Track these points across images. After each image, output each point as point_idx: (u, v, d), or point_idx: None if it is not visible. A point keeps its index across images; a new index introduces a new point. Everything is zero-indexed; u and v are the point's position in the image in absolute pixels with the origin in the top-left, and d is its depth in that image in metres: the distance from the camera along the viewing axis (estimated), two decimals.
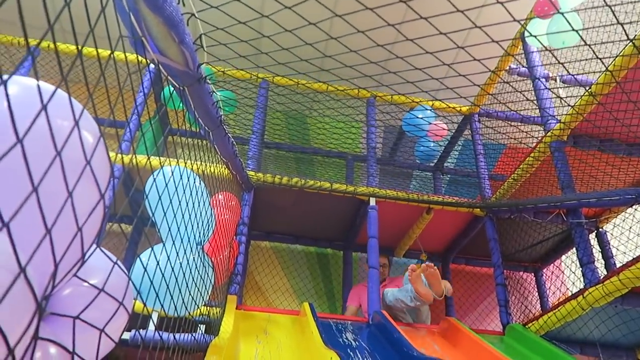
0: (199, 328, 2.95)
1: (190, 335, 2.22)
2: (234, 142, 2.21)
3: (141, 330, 2.57)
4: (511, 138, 4.09)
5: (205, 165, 2.18)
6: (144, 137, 4.01)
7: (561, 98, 3.30)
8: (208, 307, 2.86)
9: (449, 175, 5.38)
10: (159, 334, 2.32)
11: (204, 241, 1.81)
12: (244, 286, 4.17)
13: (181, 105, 1.63)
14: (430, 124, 4.31)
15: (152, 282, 1.03)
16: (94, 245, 0.77)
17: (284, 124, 5.10)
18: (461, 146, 5.15)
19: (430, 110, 4.32)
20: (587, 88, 3.09)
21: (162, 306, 1.16)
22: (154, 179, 1.44)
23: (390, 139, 5.17)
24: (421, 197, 3.85)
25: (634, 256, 2.42)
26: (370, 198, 3.73)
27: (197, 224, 1.55)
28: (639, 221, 2.71)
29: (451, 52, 1.75)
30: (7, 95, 0.52)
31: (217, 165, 2.77)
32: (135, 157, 3.38)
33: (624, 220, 3.43)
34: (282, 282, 4.40)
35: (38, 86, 0.60)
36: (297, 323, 2.92)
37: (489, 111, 4.44)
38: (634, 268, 2.32)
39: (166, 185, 1.17)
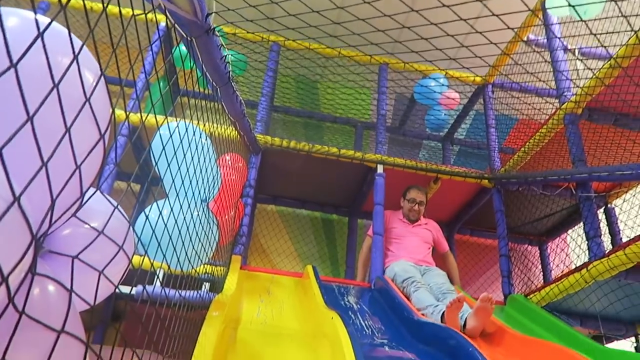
0: (203, 286, 3.01)
1: (195, 292, 2.25)
2: (242, 102, 2.18)
3: (147, 286, 2.61)
4: (527, 108, 4.01)
5: (214, 125, 2.16)
6: (154, 96, 3.98)
7: (584, 65, 3.21)
8: (212, 266, 2.90)
9: (458, 147, 5.33)
10: (163, 290, 2.35)
11: (209, 198, 1.81)
12: (249, 248, 4.21)
13: (191, 65, 1.61)
14: (443, 92, 4.23)
15: (153, 232, 1.03)
16: (93, 189, 0.76)
17: (293, 89, 5.04)
18: (472, 118, 5.07)
19: (443, 78, 4.23)
20: (608, 59, 3.00)
21: (164, 258, 1.17)
22: (160, 134, 1.43)
23: (401, 108, 5.10)
24: (429, 166, 3.82)
25: None
26: (378, 165, 3.71)
27: (202, 179, 1.54)
28: None
29: (466, 24, 1.70)
30: (1, 23, 0.50)
31: (225, 126, 2.75)
32: (145, 113, 3.37)
33: (634, 196, 3.39)
34: (286, 246, 4.44)
35: (36, 20, 0.58)
36: (300, 285, 2.95)
37: (504, 82, 4.34)
38: None
39: (170, 136, 1.16)
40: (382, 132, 3.98)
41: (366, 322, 2.45)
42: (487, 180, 3.84)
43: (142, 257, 1.12)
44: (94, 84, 0.64)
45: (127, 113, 3.50)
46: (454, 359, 1.80)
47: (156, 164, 1.07)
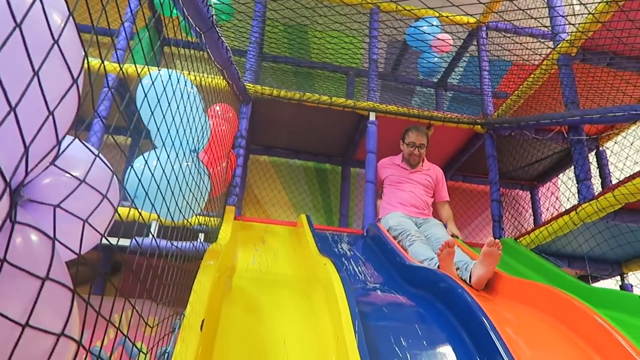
0: (198, 237, 3.04)
1: (189, 243, 2.27)
2: (229, 48, 2.11)
3: (141, 238, 2.63)
4: (521, 51, 3.93)
5: (201, 74, 2.11)
6: (139, 45, 3.86)
7: (580, 3, 3.13)
8: (206, 217, 2.91)
9: (451, 93, 5.26)
10: (156, 241, 2.36)
11: (199, 149, 1.79)
12: (243, 199, 4.24)
13: (175, 12, 1.54)
14: (435, 35, 4.12)
15: (140, 181, 1.02)
16: (71, 137, 0.74)
17: (283, 36, 4.90)
18: (466, 63, 4.98)
19: (437, 21, 4.12)
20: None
21: (153, 208, 1.16)
22: (141, 84, 1.39)
23: (393, 53, 4.98)
24: (422, 112, 3.79)
25: (632, 173, 2.41)
26: (370, 113, 3.67)
27: (190, 129, 1.52)
28: (639, 138, 2.68)
29: None
30: None
31: (213, 75, 2.68)
32: (128, 64, 3.27)
33: (624, 137, 3.40)
34: (280, 196, 4.46)
35: None
36: (294, 233, 2.99)
37: (498, 24, 4.24)
38: (630, 184, 2.32)
39: (152, 84, 1.13)
40: (373, 79, 3.92)
41: (359, 267, 2.50)
42: (479, 126, 3.82)
43: (130, 209, 1.12)
44: (62, 25, 0.61)
45: (121, 65, 3.41)
46: (444, 301, 1.85)
47: (138, 111, 1.04)
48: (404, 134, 3.30)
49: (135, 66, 0.99)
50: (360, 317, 1.54)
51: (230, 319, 1.66)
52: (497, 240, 2.19)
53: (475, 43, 4.26)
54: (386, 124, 3.72)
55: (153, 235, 1.15)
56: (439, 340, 1.67)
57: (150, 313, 1.58)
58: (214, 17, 1.62)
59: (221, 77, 2.47)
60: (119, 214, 0.90)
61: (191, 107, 1.49)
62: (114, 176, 0.81)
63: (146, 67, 1.21)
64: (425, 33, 4.03)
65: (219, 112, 2.99)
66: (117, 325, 0.89)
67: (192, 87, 1.56)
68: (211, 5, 1.50)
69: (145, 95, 1.03)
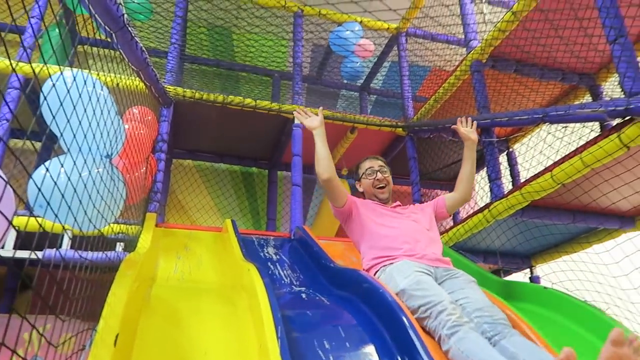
0: (117, 246, 2.89)
1: (105, 253, 2.15)
2: (144, 49, 2.03)
3: (52, 249, 2.46)
4: (438, 58, 4.13)
5: (115, 75, 2.00)
6: (48, 44, 3.61)
7: (490, 15, 3.33)
8: (126, 225, 2.78)
9: (374, 96, 5.42)
10: (59, 253, 2.22)
11: (112, 154, 1.70)
12: (166, 205, 4.09)
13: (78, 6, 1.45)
14: (359, 40, 4.22)
15: (40, 190, 0.94)
16: None
17: (207, 38, 4.80)
18: (388, 68, 5.14)
19: (359, 26, 4.22)
20: (510, 8, 3.13)
21: (57, 218, 1.08)
22: (42, 85, 1.29)
23: (318, 57, 5.04)
24: (346, 116, 3.86)
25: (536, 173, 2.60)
26: None
27: (101, 133, 1.44)
28: (543, 140, 2.90)
29: None
30: None
31: (130, 76, 2.57)
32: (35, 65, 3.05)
33: (529, 139, 3.67)
34: (205, 201, 4.35)
35: None
36: (219, 239, 2.93)
37: (416, 31, 4.42)
38: (535, 183, 2.50)
39: (53, 85, 1.05)
40: (298, 82, 3.93)
41: (285, 271, 2.50)
42: (401, 129, 3.96)
43: (36, 218, 1.04)
44: None
45: (32, 65, 3.15)
46: (367, 302, 1.88)
47: (40, 115, 0.97)
48: (356, 170, 2.47)
49: (47, 66, 0.92)
50: (284, 322, 1.53)
51: (148, 332, 1.58)
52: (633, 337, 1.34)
53: (396, 48, 4.41)
54: None
55: (57, 247, 1.07)
56: (362, 340, 1.70)
57: (68, 329, 1.48)
58: (126, 16, 1.55)
59: (138, 78, 2.37)
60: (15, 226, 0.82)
61: (101, 110, 1.41)
62: (9, 186, 0.75)
63: (49, 67, 1.13)
64: (348, 40, 4.12)
65: (137, 115, 2.87)
66: (27, 344, 0.82)
67: (102, 89, 1.48)
68: (121, 4, 1.43)
69: (45, 98, 0.95)
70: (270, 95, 4.91)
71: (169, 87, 3.40)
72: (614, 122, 2.14)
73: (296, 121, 3.65)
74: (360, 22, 4.23)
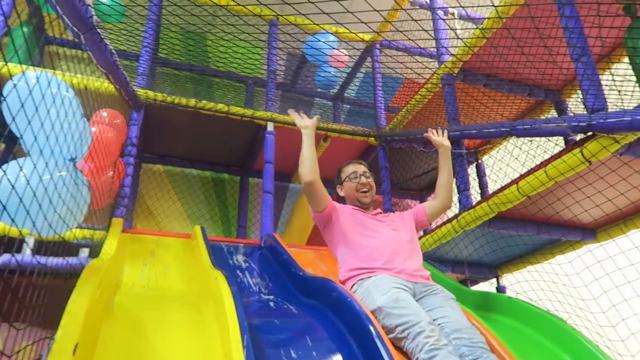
0: (81, 252, 2.81)
1: (66, 259, 2.09)
2: (114, 51, 1.99)
3: (8, 254, 2.37)
4: (411, 69, 4.19)
5: (84, 76, 1.96)
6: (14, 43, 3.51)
7: (460, 29, 3.40)
8: (92, 231, 2.71)
9: (348, 105, 5.46)
10: (15, 259, 2.13)
11: (77, 157, 1.66)
12: (134, 211, 4.00)
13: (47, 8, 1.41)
14: (333, 50, 4.25)
15: None
16: None
17: (181, 42, 4.75)
18: (361, 79, 5.19)
19: (333, 36, 4.25)
20: (479, 25, 3.21)
21: (13, 221, 1.05)
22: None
23: (293, 65, 5.06)
24: (319, 124, 3.86)
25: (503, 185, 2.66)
26: (268, 123, 3.67)
27: (65, 135, 1.40)
28: (509, 152, 2.98)
29: None
30: None
31: (99, 78, 2.52)
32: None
33: (497, 151, 3.75)
34: (175, 207, 4.28)
35: None
36: (187, 246, 2.88)
37: (391, 42, 4.49)
38: (501, 195, 2.56)
39: (15, 86, 1.02)
40: (272, 89, 3.93)
41: (254, 279, 2.48)
42: (373, 138, 3.99)
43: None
44: None
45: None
46: (335, 311, 1.88)
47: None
48: (338, 174, 2.39)
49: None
50: (251, 331, 1.52)
51: (110, 340, 1.54)
52: None
53: (370, 59, 4.46)
54: (284, 135, 3.74)
55: (17, 253, 1.04)
56: (329, 350, 1.70)
57: (24, 338, 1.42)
58: (95, 17, 1.52)
59: (107, 80, 2.32)
60: None
61: (66, 112, 1.37)
62: None
63: (13, 66, 1.10)
64: (322, 50, 4.14)
65: (106, 118, 2.82)
66: None
67: (67, 90, 1.44)
68: (90, 6, 1.40)
69: (5, 98, 0.92)
70: (244, 101, 4.89)
71: (139, 90, 3.35)
72: (578, 137, 2.21)
73: (269, 128, 3.65)
74: (335, 33, 4.26)
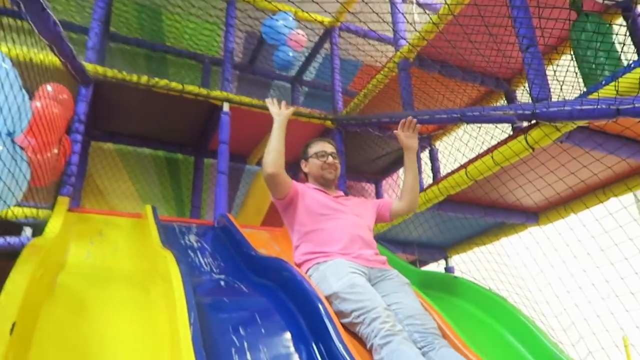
0: (24, 231, 2.70)
1: (2, 238, 2.00)
2: (58, 22, 1.90)
3: None
4: (367, 54, 4.22)
5: (23, 47, 1.87)
6: None
7: (418, 16, 3.44)
8: (36, 209, 2.61)
9: (307, 88, 5.44)
10: None
11: (15, 132, 1.59)
12: (83, 190, 3.87)
13: None
14: (292, 31, 4.21)
15: None
16: None
17: (134, 16, 4.58)
18: (320, 62, 5.18)
19: (292, 17, 4.21)
20: (435, 13, 3.26)
21: None
22: None
23: (250, 46, 4.98)
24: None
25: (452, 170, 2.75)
26: (224, 103, 3.61)
27: (1, 109, 1.33)
28: (459, 138, 3.07)
29: None
30: None
31: (43, 50, 2.40)
32: None
33: (449, 137, 3.86)
34: (126, 187, 4.17)
35: None
36: (137, 226, 2.82)
37: (350, 27, 4.49)
38: (450, 179, 2.65)
39: None
40: (228, 68, 3.87)
41: (205, 259, 2.46)
42: (330, 122, 4.01)
43: None
44: None
45: None
46: (284, 289, 1.90)
47: None
48: (305, 149, 2.34)
49: None
50: (200, 309, 1.52)
51: (51, 320, 1.50)
52: None
53: (329, 42, 4.45)
54: (241, 115, 3.70)
55: None
56: (278, 327, 1.72)
57: None
58: None
59: (51, 53, 2.22)
60: None
61: (2, 84, 1.30)
62: None
63: None
64: (280, 31, 4.10)
65: (51, 93, 2.70)
66: None
67: (3, 61, 1.37)
68: None
69: None
70: (200, 80, 4.78)
71: (88, 65, 3.21)
72: (525, 125, 2.30)
73: (224, 108, 3.59)
74: (295, 14, 4.22)
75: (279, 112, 2.16)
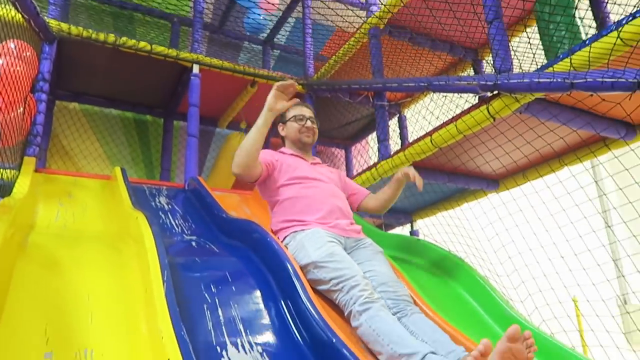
0: None
1: None
2: None
3: None
4: (340, 19, 4.20)
5: None
6: None
7: None
8: (1, 170, 2.58)
9: (278, 51, 5.39)
10: None
11: None
12: (48, 150, 3.80)
13: None
14: None
15: None
16: None
17: None
18: (293, 25, 5.12)
19: None
20: None
21: None
22: None
23: (221, 6, 4.86)
24: (247, 69, 3.82)
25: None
26: (194, 65, 3.57)
27: None
28: (426, 106, 3.15)
29: None
30: None
31: (6, 7, 2.33)
32: None
33: (416, 106, 3.94)
34: (94, 148, 4.11)
35: None
36: (106, 187, 2.82)
37: None
38: (416, 145, 2.74)
39: None
40: (198, 30, 3.80)
41: (176, 221, 2.50)
42: (300, 87, 4.02)
43: None
44: None
45: None
46: (255, 250, 1.97)
47: None
48: (283, 113, 2.23)
49: None
50: (172, 269, 1.57)
51: (26, 278, 1.54)
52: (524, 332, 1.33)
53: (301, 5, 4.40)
54: (212, 78, 3.67)
55: None
56: (248, 285, 1.80)
57: None
58: None
59: (13, 8, 2.15)
60: None
61: None
62: None
63: None
64: None
65: (14, 51, 2.62)
66: None
67: None
68: None
69: None
70: (169, 41, 4.67)
71: (52, 21, 3.11)
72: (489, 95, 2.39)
73: (194, 70, 3.55)
74: None
75: (273, 106, 1.99)
